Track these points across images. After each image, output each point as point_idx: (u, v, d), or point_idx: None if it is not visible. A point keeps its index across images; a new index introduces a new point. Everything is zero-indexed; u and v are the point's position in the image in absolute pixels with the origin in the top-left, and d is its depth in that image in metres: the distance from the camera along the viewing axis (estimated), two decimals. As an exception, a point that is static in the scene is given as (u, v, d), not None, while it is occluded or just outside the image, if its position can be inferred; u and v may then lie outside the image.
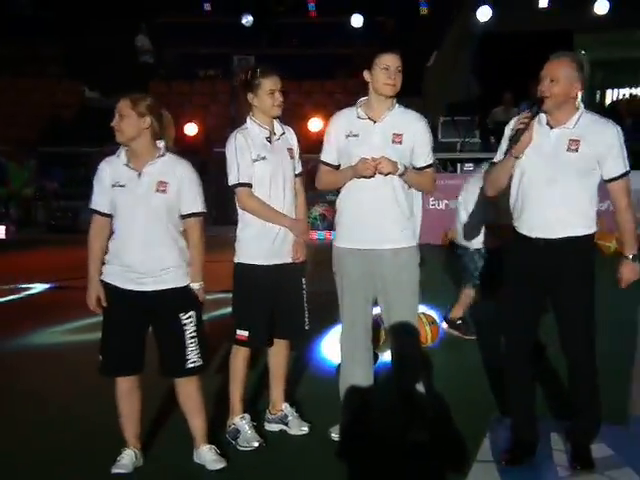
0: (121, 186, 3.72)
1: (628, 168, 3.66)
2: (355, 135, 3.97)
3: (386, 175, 3.87)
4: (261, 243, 4.05)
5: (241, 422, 4.12)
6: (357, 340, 4.10)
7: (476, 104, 13.61)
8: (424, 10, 16.63)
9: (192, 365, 3.80)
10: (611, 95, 25.76)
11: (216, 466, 3.83)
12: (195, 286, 3.79)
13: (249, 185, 4.02)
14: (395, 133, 3.94)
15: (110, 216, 3.77)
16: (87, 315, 6.83)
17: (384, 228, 3.96)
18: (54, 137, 15.45)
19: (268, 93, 4.04)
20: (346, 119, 4.04)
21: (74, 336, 6.46)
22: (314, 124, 13.02)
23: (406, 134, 3.95)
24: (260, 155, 4.02)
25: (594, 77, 25.13)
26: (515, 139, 3.59)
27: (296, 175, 4.20)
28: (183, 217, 3.78)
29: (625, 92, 23.88)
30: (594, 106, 24.46)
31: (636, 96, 20.46)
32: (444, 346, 5.83)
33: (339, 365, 4.74)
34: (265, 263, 4.06)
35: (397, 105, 4.00)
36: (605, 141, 3.61)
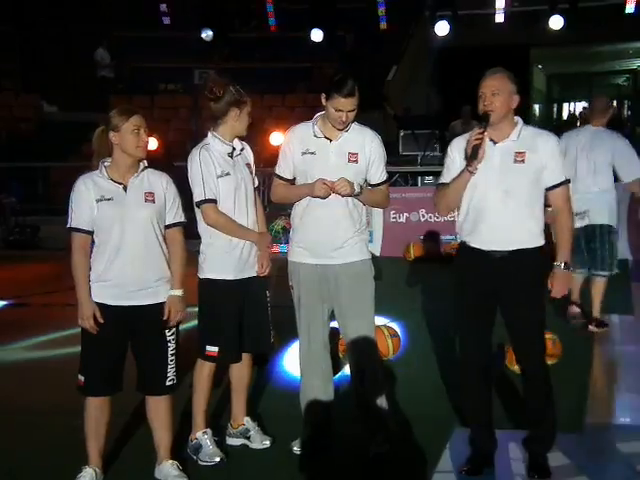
0: (108, 199, 3.70)
1: (568, 176, 3.81)
2: (312, 153, 4.02)
3: (343, 196, 3.93)
4: (228, 258, 4.06)
5: (203, 437, 4.11)
6: (315, 354, 4.13)
7: (436, 118, 13.77)
8: (383, 25, 16.81)
9: (170, 383, 3.83)
10: (567, 108, 26.27)
11: (177, 482, 3.81)
12: (178, 293, 3.79)
13: (215, 201, 4.03)
14: (351, 152, 4.00)
15: (91, 233, 3.75)
16: (46, 332, 6.85)
17: (337, 243, 4.01)
18: (12, 152, 15.26)
19: (249, 112, 4.09)
20: (302, 136, 4.08)
21: (33, 353, 6.37)
22: (275, 138, 13.03)
23: (361, 153, 4.01)
24: (224, 171, 4.04)
25: (551, 91, 25.66)
26: (473, 155, 3.68)
27: (254, 189, 4.22)
28: (167, 227, 3.82)
29: (581, 105, 24.37)
30: (551, 118, 24.96)
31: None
32: (406, 358, 5.88)
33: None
34: (232, 277, 4.07)
35: (354, 123, 4.05)
36: (547, 151, 3.74)
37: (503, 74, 3.75)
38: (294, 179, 4.12)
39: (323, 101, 3.97)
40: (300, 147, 4.05)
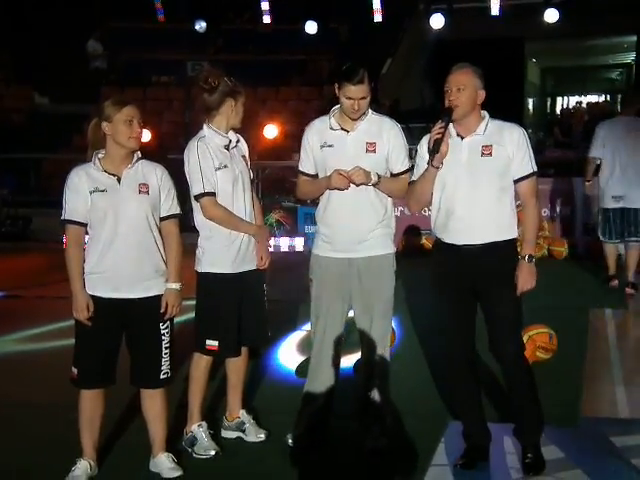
0: (102, 191, 3.67)
1: (535, 169, 3.80)
2: (330, 145, 4.00)
3: (358, 186, 3.90)
4: (228, 252, 4.04)
5: (198, 430, 4.10)
6: (328, 346, 4.08)
7: (430, 111, 13.75)
8: (378, 18, 16.76)
9: (164, 376, 3.81)
10: (561, 102, 26.29)
11: (173, 474, 3.80)
12: (175, 286, 3.77)
13: (214, 194, 4.00)
14: (368, 142, 3.97)
15: (85, 225, 3.72)
16: (38, 324, 6.82)
17: (360, 235, 3.98)
18: (3, 143, 15.18)
19: (243, 103, 4.05)
20: (319, 130, 4.06)
21: (26, 345, 6.34)
22: (269, 131, 12.99)
23: (379, 142, 3.98)
24: (222, 163, 4.02)
25: (545, 84, 25.67)
26: (435, 149, 3.69)
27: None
28: (162, 219, 3.79)
29: (574, 99, 24.39)
30: (545, 112, 24.98)
31: (597, 103, 20.85)
32: (399, 353, 5.87)
33: (296, 371, 4.74)
34: (231, 271, 4.05)
35: (370, 112, 4.03)
36: (513, 142, 3.74)
37: (469, 69, 3.76)
38: (317, 174, 4.10)
39: (337, 92, 3.96)
40: (318, 141, 4.03)
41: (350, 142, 3.98)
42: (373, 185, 3.94)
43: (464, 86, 3.69)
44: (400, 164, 4.03)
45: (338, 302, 4.06)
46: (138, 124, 3.71)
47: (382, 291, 4.04)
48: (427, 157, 3.79)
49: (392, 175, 4.04)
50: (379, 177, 3.94)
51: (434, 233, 3.91)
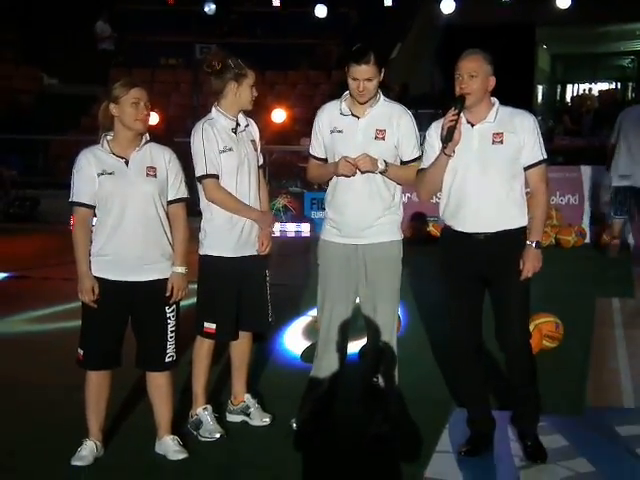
0: (110, 174, 3.67)
1: (545, 156, 3.79)
2: (339, 131, 3.98)
3: (363, 173, 3.88)
4: (228, 235, 4.03)
5: (203, 413, 4.11)
6: (335, 334, 4.08)
7: (439, 97, 13.69)
8: (388, 2, 16.65)
9: (169, 360, 3.82)
10: (571, 89, 26.11)
11: (178, 456, 3.82)
12: (181, 270, 3.77)
13: (216, 176, 3.99)
14: (378, 129, 3.94)
15: (93, 208, 3.72)
16: (44, 305, 6.84)
17: (366, 222, 3.96)
18: (12, 124, 15.17)
19: (251, 85, 4.03)
20: (330, 114, 4.03)
21: (33, 326, 6.37)
22: (277, 115, 12.94)
23: (389, 129, 3.94)
24: (227, 146, 4.00)
25: (555, 71, 25.49)
26: (448, 137, 3.66)
27: (258, 167, 4.19)
28: (170, 203, 3.79)
29: (584, 87, 24.22)
30: (554, 100, 24.82)
31: (607, 90, 20.68)
32: (404, 340, 5.86)
33: (302, 356, 4.73)
34: (232, 255, 4.04)
35: (382, 99, 3.99)
36: (524, 129, 3.72)
37: (480, 55, 3.73)
38: (326, 158, 4.08)
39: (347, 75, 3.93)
40: (328, 126, 4.01)
41: (360, 128, 3.95)
42: (380, 173, 3.92)
43: (476, 73, 3.66)
44: (410, 152, 3.99)
45: (344, 287, 4.05)
46: (145, 106, 3.69)
47: (388, 278, 4.03)
48: (436, 144, 3.76)
49: (402, 163, 4.01)
50: (387, 165, 3.92)
51: (443, 220, 3.89)
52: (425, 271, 8.10)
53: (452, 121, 3.65)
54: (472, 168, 3.71)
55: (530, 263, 3.70)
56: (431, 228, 10.08)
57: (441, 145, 3.70)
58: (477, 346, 3.90)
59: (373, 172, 3.90)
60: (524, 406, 3.88)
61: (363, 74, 3.85)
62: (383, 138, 3.94)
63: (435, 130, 3.81)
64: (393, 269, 4.04)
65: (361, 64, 3.84)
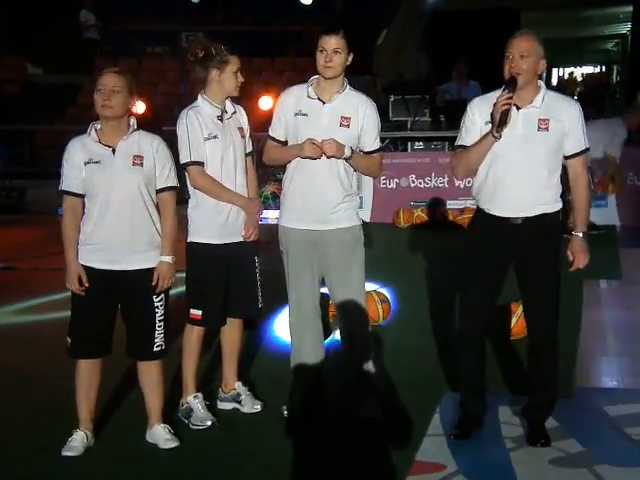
0: (96, 162, 3.66)
1: (588, 145, 3.75)
2: (304, 114, 3.96)
3: (329, 158, 3.88)
4: (213, 222, 4.03)
5: (194, 401, 4.11)
6: (305, 318, 4.11)
7: (426, 82, 13.67)
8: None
9: (158, 349, 3.82)
10: (557, 73, 26.15)
11: (169, 445, 3.83)
12: (167, 259, 3.76)
13: (201, 163, 3.98)
14: (343, 116, 3.94)
15: (82, 196, 3.71)
16: (33, 296, 6.81)
17: (326, 209, 3.97)
18: (-4, 114, 15.06)
19: (235, 72, 4.02)
20: (296, 97, 4.02)
21: (23, 317, 6.35)
22: (264, 102, 12.89)
23: (354, 118, 3.95)
24: (211, 134, 3.99)
25: (541, 56, 25.49)
26: (503, 120, 3.55)
27: (247, 154, 4.18)
28: (158, 191, 3.77)
29: (569, 70, 24.26)
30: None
31: (592, 74, 20.72)
32: (396, 324, 5.89)
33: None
34: (218, 242, 4.04)
35: (348, 87, 4.00)
36: (571, 118, 3.66)
37: (532, 36, 3.64)
38: (286, 141, 4.07)
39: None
40: (293, 108, 3.99)
41: (325, 113, 3.94)
42: (345, 159, 3.92)
43: (527, 53, 3.57)
44: (372, 143, 4.02)
45: (308, 273, 4.05)
46: (111, 92, 3.63)
47: (352, 262, 4.03)
48: (478, 123, 3.67)
49: (363, 153, 4.02)
50: (352, 152, 3.92)
51: (477, 203, 3.82)
52: (422, 256, 8.18)
53: (506, 104, 3.54)
54: (515, 153, 3.62)
55: (581, 254, 3.69)
56: (419, 213, 10.13)
57: (491, 127, 3.59)
58: (485, 330, 3.87)
59: (337, 158, 3.89)
60: (542, 394, 3.84)
61: (331, 45, 3.85)
62: (348, 126, 3.94)
63: (478, 107, 3.72)
64: (356, 253, 4.05)
65: (330, 35, 3.84)
